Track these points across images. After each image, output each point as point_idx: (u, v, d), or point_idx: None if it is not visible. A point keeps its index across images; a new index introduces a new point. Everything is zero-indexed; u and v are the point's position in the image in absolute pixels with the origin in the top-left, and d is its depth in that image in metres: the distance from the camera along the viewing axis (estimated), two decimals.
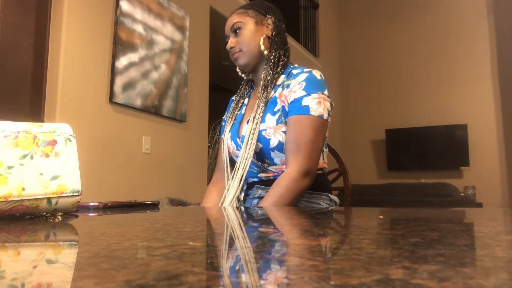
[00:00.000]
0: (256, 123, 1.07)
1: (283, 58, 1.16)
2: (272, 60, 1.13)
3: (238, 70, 1.23)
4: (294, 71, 1.12)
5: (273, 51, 1.14)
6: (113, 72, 2.37)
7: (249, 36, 1.13)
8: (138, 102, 2.53)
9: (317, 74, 1.09)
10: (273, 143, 1.06)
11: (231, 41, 1.16)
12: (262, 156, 1.09)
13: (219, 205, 1.14)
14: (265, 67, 1.14)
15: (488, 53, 5.58)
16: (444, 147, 5.63)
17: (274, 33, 1.16)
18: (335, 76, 6.45)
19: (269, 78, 1.12)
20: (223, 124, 1.27)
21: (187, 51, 3.01)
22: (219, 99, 4.15)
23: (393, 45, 6.18)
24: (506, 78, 5.47)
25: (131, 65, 2.49)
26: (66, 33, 2.14)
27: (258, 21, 1.15)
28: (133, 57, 2.51)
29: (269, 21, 1.16)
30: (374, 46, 6.34)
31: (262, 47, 1.13)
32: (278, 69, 1.14)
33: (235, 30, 1.15)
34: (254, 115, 1.08)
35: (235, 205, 1.08)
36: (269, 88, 1.11)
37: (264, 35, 1.14)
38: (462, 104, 5.66)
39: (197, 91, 3.15)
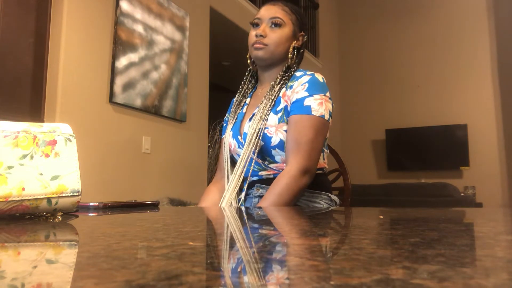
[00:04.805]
0: (260, 122, 1.08)
1: (296, 68, 1.19)
2: (291, 70, 1.16)
3: (248, 60, 1.23)
4: (298, 73, 1.14)
5: (295, 62, 1.17)
6: (113, 72, 2.37)
7: (283, 38, 1.14)
8: (138, 102, 2.53)
9: (319, 77, 1.12)
10: (275, 141, 1.08)
11: (264, 30, 1.14)
12: (263, 153, 1.10)
13: (219, 204, 1.14)
14: (281, 73, 1.15)
15: (488, 53, 5.58)
16: (444, 147, 5.63)
17: (301, 50, 1.20)
18: (335, 76, 6.45)
19: (281, 82, 1.14)
20: (225, 124, 1.27)
21: (187, 51, 3.01)
22: (219, 99, 4.15)
23: (393, 45, 6.18)
24: (506, 78, 5.47)
25: (131, 65, 2.49)
26: (66, 33, 2.14)
27: (295, 30, 1.17)
28: (133, 57, 2.51)
29: (301, 37, 1.20)
30: (374, 46, 6.34)
31: (290, 55, 1.15)
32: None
33: (273, 23, 1.14)
34: (261, 115, 1.09)
35: (234, 204, 1.09)
36: (279, 92, 1.13)
37: (293, 45, 1.16)
38: (462, 104, 5.66)
39: (197, 91, 3.15)
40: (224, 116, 1.31)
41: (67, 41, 2.14)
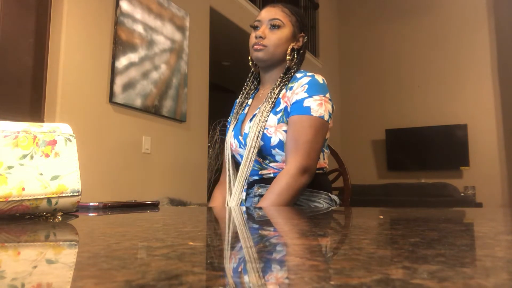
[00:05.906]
0: (260, 124, 1.09)
1: (297, 70, 1.19)
2: (291, 71, 1.16)
3: (249, 61, 1.23)
4: (298, 75, 1.15)
5: (295, 64, 1.17)
6: (113, 72, 2.37)
7: (282, 39, 1.15)
8: (138, 102, 2.53)
9: (319, 78, 1.12)
10: (274, 141, 1.09)
11: (264, 32, 1.15)
12: (263, 153, 1.12)
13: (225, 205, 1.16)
14: (281, 75, 1.16)
15: (488, 53, 5.58)
16: (444, 147, 5.62)
17: (302, 51, 1.20)
18: (335, 76, 6.45)
19: (281, 84, 1.14)
20: (228, 125, 1.28)
21: (187, 51, 3.00)
22: (219, 99, 4.15)
23: (393, 45, 6.18)
24: (506, 78, 5.46)
25: (131, 65, 2.49)
26: (66, 33, 2.14)
27: (295, 31, 1.18)
28: (133, 57, 2.51)
29: (301, 39, 1.20)
30: (374, 46, 6.34)
31: (288, 57, 1.15)
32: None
33: (273, 25, 1.15)
34: (260, 117, 1.10)
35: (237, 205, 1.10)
36: (279, 94, 1.13)
37: (292, 46, 1.16)
38: (462, 104, 5.66)
39: (197, 91, 3.15)
40: (224, 116, 1.32)
41: (67, 41, 2.14)
